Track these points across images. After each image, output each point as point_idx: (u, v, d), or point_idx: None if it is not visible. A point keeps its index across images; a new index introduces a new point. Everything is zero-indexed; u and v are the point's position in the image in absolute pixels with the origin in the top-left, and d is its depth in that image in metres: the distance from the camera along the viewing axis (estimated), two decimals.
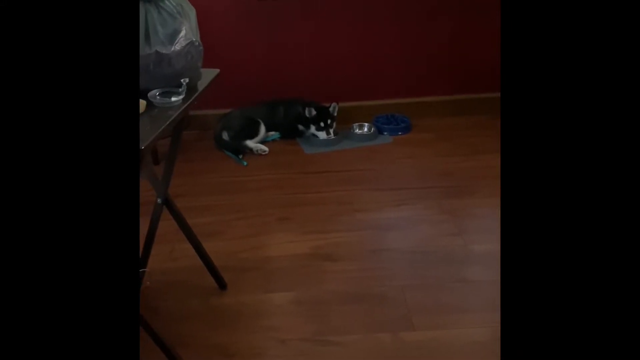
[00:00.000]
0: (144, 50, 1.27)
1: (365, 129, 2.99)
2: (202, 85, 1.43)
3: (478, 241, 2.06)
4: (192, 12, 1.35)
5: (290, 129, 2.98)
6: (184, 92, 1.32)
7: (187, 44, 1.31)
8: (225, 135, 2.88)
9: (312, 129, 2.91)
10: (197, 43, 1.34)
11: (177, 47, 1.29)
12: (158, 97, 1.31)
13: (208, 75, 1.48)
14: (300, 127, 2.95)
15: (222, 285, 1.86)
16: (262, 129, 2.91)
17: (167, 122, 1.24)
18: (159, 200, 1.66)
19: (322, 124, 2.88)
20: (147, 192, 1.44)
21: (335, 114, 2.93)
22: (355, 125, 3.00)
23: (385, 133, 2.98)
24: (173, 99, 1.30)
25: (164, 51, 1.28)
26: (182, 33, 1.29)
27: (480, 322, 1.66)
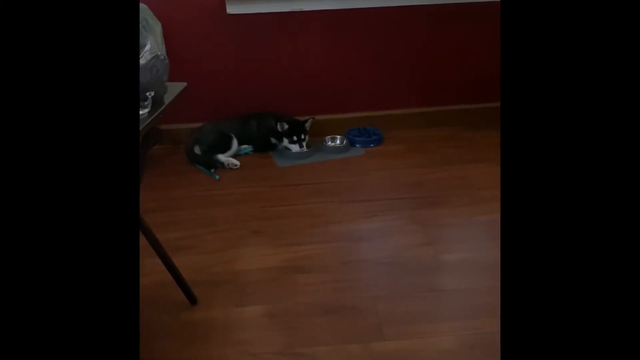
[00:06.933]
0: None
1: (338, 142, 3.01)
2: (168, 98, 1.43)
3: (448, 251, 2.08)
4: (157, 26, 1.36)
5: (263, 143, 2.98)
6: (149, 106, 1.32)
7: (152, 58, 1.31)
8: (197, 149, 2.87)
9: (285, 142, 2.92)
10: (162, 57, 1.35)
11: (143, 61, 1.29)
12: None
13: (174, 88, 1.48)
14: (273, 140, 2.96)
15: (192, 300, 1.84)
16: (235, 143, 2.91)
17: None
18: None
19: (294, 138, 2.90)
20: None
21: (308, 128, 2.95)
22: (328, 138, 3.02)
23: (358, 145, 3.01)
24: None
25: None
26: (147, 47, 1.30)
27: (450, 331, 1.68)
